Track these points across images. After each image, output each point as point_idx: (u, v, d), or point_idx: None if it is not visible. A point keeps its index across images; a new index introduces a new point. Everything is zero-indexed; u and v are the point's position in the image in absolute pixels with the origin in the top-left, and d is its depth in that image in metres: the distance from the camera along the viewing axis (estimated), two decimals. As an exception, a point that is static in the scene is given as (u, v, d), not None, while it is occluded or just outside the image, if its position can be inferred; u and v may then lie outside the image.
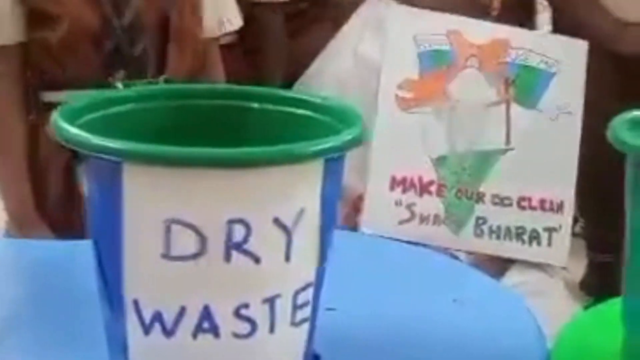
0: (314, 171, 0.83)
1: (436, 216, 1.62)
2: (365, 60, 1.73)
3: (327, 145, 0.83)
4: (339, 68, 1.77)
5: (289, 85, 1.84)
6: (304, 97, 0.97)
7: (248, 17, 1.84)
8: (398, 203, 1.62)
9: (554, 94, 1.66)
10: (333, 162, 0.85)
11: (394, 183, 1.62)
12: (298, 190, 0.83)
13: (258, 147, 0.82)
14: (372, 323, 1.08)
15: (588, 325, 1.12)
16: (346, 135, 0.85)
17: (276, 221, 0.80)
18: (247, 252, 0.80)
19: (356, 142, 0.84)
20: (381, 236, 1.54)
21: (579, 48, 1.69)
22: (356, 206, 1.65)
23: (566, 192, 1.63)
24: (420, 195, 1.62)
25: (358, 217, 1.63)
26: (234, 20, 1.74)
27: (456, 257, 1.63)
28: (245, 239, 0.79)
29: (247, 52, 2.02)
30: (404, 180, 1.62)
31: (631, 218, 0.93)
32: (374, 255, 1.32)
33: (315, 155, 0.83)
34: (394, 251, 1.36)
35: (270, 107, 0.95)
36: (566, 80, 1.67)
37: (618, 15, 2.06)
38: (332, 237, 0.88)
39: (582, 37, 1.72)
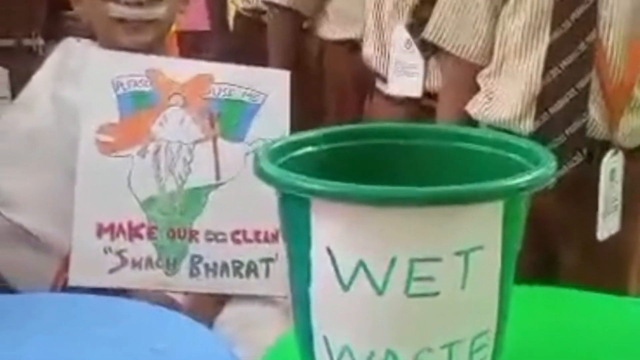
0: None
1: (149, 259, 1.57)
2: (65, 105, 1.67)
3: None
4: (35, 115, 1.69)
5: None
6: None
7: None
8: (107, 250, 1.56)
9: (259, 126, 1.65)
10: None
11: (101, 230, 1.56)
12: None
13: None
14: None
15: (289, 348, 1.11)
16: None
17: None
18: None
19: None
20: (90, 288, 1.48)
21: (281, 78, 1.70)
22: (66, 262, 1.57)
23: None
24: (131, 240, 1.57)
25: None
26: None
27: (173, 300, 1.59)
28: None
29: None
30: (111, 227, 1.57)
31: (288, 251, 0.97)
32: (66, 313, 1.27)
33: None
34: (88, 305, 1.31)
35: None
36: (271, 111, 1.67)
37: None
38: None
39: None
